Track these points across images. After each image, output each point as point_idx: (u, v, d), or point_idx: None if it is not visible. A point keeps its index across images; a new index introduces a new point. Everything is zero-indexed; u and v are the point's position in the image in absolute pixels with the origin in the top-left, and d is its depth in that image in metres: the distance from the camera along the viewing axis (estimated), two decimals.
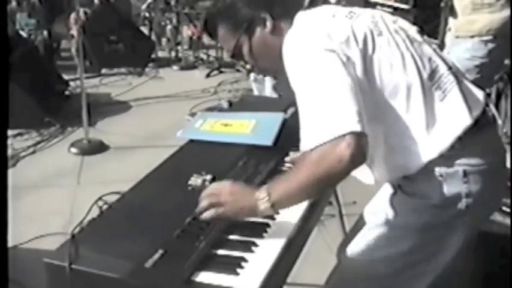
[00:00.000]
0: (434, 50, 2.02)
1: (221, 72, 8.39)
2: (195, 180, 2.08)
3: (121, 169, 4.97)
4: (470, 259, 2.38)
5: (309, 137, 1.74)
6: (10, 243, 3.78)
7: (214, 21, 2.12)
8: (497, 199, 2.20)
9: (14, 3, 12.81)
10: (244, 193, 1.83)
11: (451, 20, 4.16)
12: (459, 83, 1.96)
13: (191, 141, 2.52)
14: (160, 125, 5.98)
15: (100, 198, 2.05)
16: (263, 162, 2.30)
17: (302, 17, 2.01)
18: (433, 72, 1.93)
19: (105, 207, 2.02)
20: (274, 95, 4.73)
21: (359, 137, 1.66)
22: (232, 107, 3.13)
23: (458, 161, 1.88)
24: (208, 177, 2.08)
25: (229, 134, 2.53)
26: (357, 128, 1.66)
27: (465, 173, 1.88)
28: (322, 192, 1.99)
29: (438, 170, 1.88)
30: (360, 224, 2.22)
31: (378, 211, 2.09)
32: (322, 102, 1.74)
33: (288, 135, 2.55)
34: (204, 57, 9.26)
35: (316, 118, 1.73)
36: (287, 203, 1.82)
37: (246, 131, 2.54)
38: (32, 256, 3.73)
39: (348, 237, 2.26)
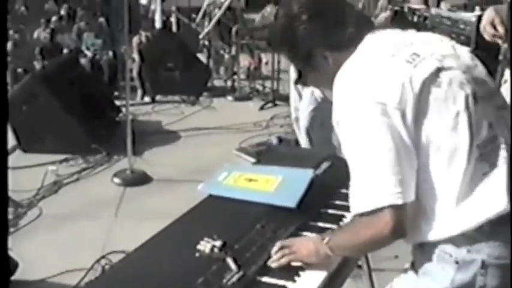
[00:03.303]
0: (503, 116, 1.82)
1: (275, 105, 8.27)
2: (204, 245, 1.95)
3: (160, 204, 4.88)
4: None
5: (353, 200, 1.76)
6: (40, 276, 3.80)
7: (277, 48, 2.10)
8: None
9: (82, 23, 13.14)
10: (311, 240, 2.01)
11: (507, 72, 3.92)
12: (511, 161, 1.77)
13: (211, 196, 2.39)
14: (207, 158, 5.87)
15: (104, 257, 1.95)
16: (283, 226, 2.15)
17: (360, 52, 1.83)
18: (486, 141, 1.74)
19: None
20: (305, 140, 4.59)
21: (399, 211, 1.66)
22: (263, 160, 2.98)
23: (479, 247, 1.71)
24: (218, 243, 1.95)
25: (252, 191, 2.39)
26: (397, 201, 1.65)
27: (483, 264, 1.71)
28: (371, 251, 2.10)
29: (455, 255, 1.72)
30: None
31: None
32: (366, 167, 1.71)
33: (317, 195, 2.42)
34: (260, 88, 9.18)
35: (359, 182, 1.73)
36: (342, 253, 1.95)
37: (270, 188, 2.40)
38: None
39: None
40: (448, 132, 1.70)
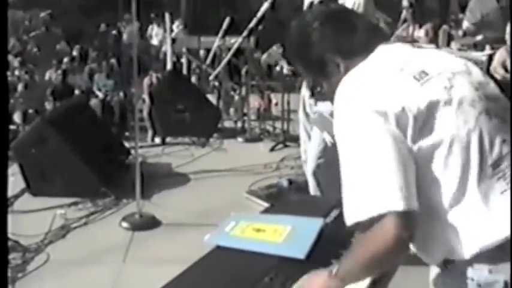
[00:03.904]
0: None
1: (286, 146, 8.22)
2: None
3: (169, 248, 4.81)
4: None
5: (350, 210, 1.68)
6: None
7: (292, 57, 2.08)
8: None
9: (94, 64, 13.28)
10: (321, 277, 1.90)
11: None
12: None
13: (218, 247, 2.33)
14: (217, 201, 5.79)
15: None
16: (292, 278, 2.08)
17: (369, 62, 1.83)
18: (500, 159, 1.68)
19: None
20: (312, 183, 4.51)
21: (402, 217, 1.59)
22: (273, 208, 2.92)
23: (501, 266, 1.65)
24: None
25: (260, 241, 2.33)
26: (399, 206, 1.58)
27: (506, 285, 1.65)
28: (383, 268, 1.86)
29: (476, 278, 1.66)
30: None
31: None
32: (364, 173, 1.65)
33: (326, 245, 2.35)
34: (270, 129, 9.15)
35: (357, 190, 1.67)
36: (353, 279, 1.82)
37: (279, 239, 2.34)
38: None
39: None
40: (458, 152, 1.66)
